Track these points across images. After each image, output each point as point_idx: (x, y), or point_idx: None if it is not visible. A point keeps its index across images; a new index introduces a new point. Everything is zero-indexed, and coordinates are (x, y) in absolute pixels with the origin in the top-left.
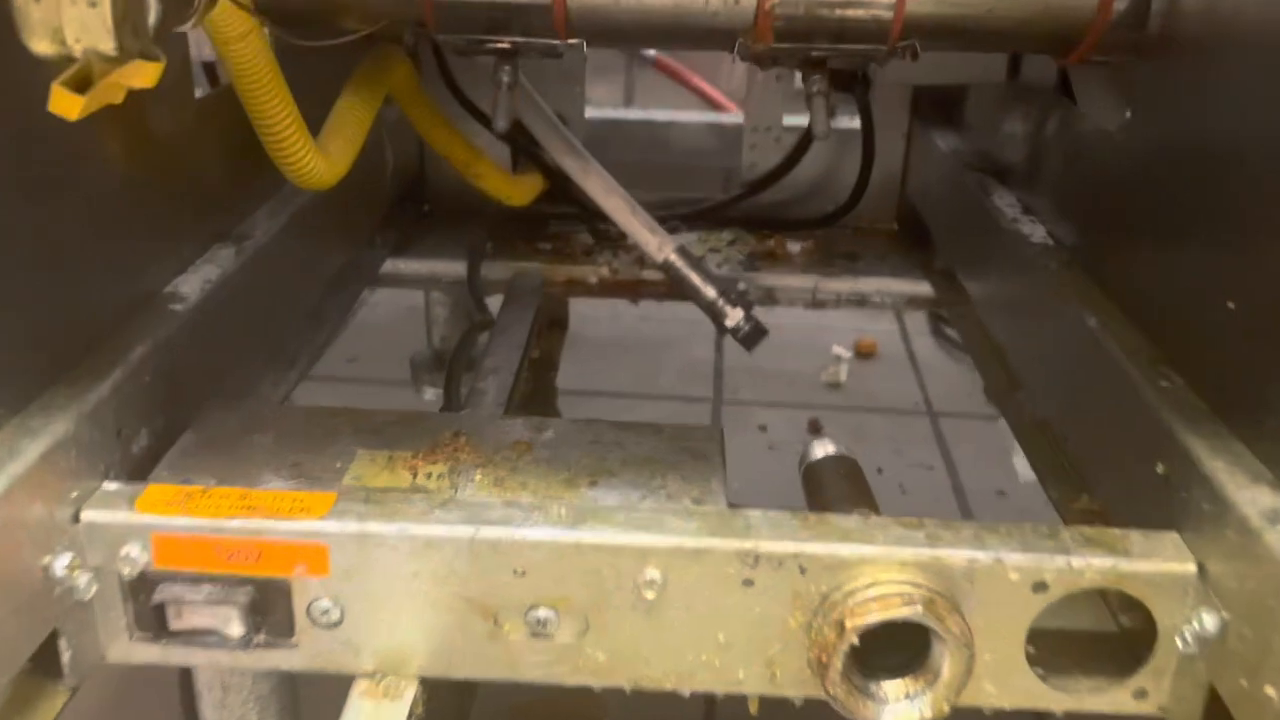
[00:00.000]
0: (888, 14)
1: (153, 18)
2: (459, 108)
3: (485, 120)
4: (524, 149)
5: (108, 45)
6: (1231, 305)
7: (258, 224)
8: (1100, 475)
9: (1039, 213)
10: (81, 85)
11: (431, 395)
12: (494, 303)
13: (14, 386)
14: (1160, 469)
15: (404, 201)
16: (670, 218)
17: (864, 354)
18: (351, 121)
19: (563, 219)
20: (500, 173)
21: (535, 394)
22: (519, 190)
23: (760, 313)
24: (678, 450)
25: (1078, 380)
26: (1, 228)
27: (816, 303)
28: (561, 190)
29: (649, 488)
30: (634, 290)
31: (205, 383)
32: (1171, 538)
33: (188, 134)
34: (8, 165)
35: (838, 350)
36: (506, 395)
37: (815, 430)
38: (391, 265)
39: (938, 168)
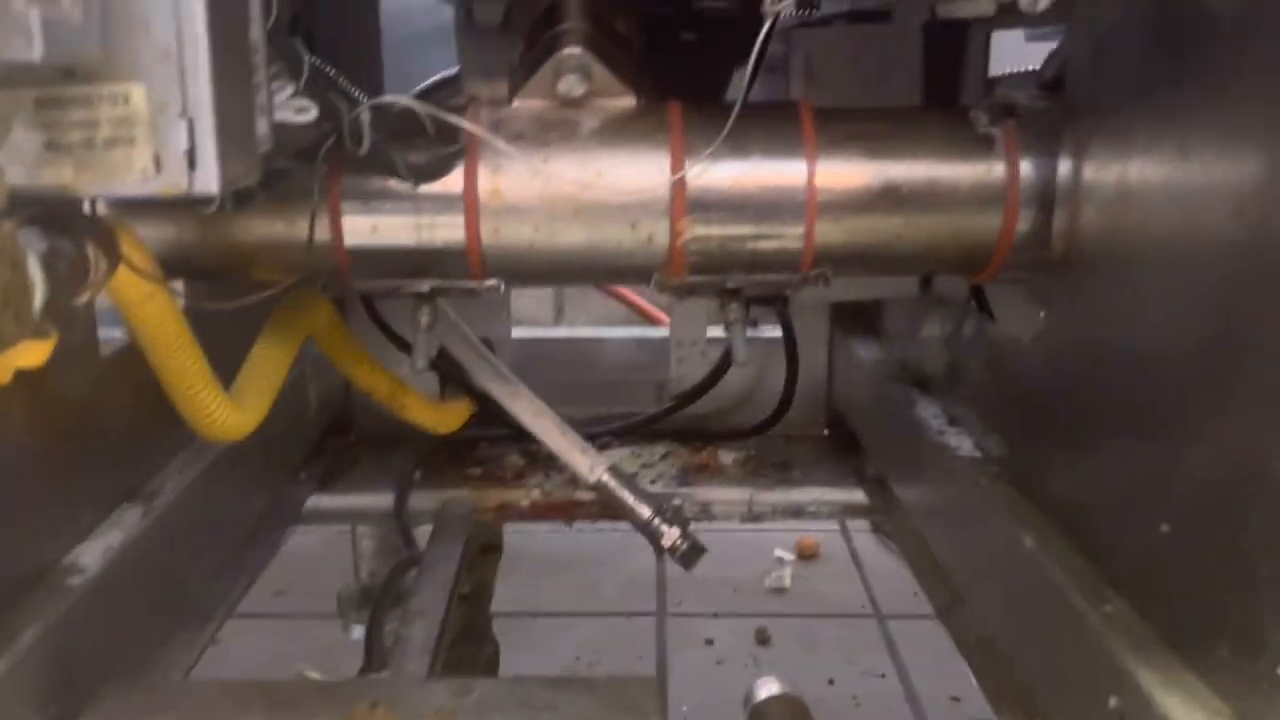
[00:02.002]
0: (797, 245)
1: (39, 299)
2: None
3: (409, 350)
4: (450, 375)
5: None
6: (1165, 528)
7: (168, 478)
8: (1052, 703)
9: (964, 423)
10: None
11: (359, 633)
12: (424, 533)
13: None
14: (1113, 703)
15: (330, 432)
16: (602, 434)
17: (806, 555)
18: (267, 369)
19: (493, 440)
20: (426, 404)
21: (468, 630)
22: (447, 418)
23: (698, 526)
24: (615, 709)
25: (1020, 603)
26: None
27: (753, 516)
28: (491, 411)
29: None
30: (568, 512)
31: (107, 658)
32: None
33: (91, 391)
34: None
35: (780, 553)
36: (434, 639)
37: (763, 641)
38: (316, 501)
39: (861, 378)
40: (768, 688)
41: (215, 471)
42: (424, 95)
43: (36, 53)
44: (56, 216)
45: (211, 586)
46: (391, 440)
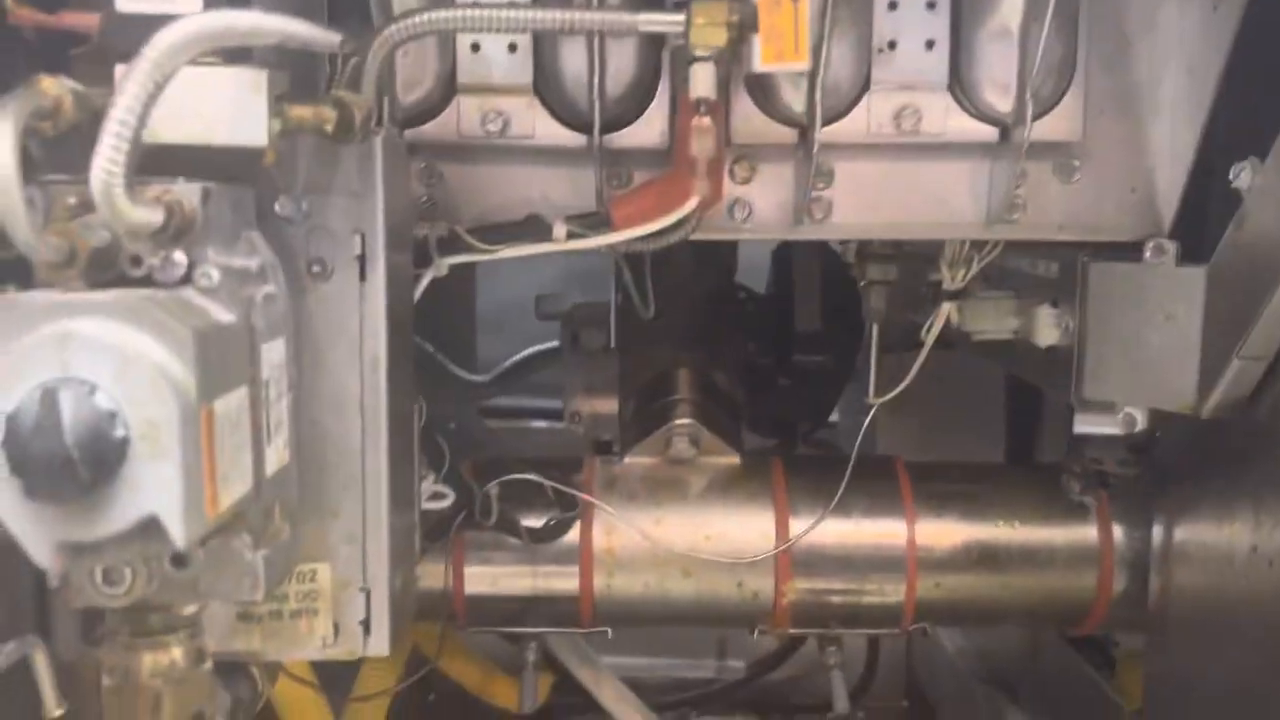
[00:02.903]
0: (898, 601)
1: None
2: None
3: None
4: None
5: None
6: None
7: None
8: None
9: None
10: None
11: None
12: None
13: None
14: None
15: (410, 688)
16: (680, 704)
17: None
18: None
19: (569, 710)
20: (511, 687)
21: None
22: None
23: None
24: None
25: None
26: None
27: None
28: (567, 679)
29: None
30: None
31: None
32: None
33: None
34: None
35: None
36: None
37: None
38: None
39: (944, 666)
40: None
41: None
42: (520, 366)
43: (260, 592)
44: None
45: None
46: (469, 702)
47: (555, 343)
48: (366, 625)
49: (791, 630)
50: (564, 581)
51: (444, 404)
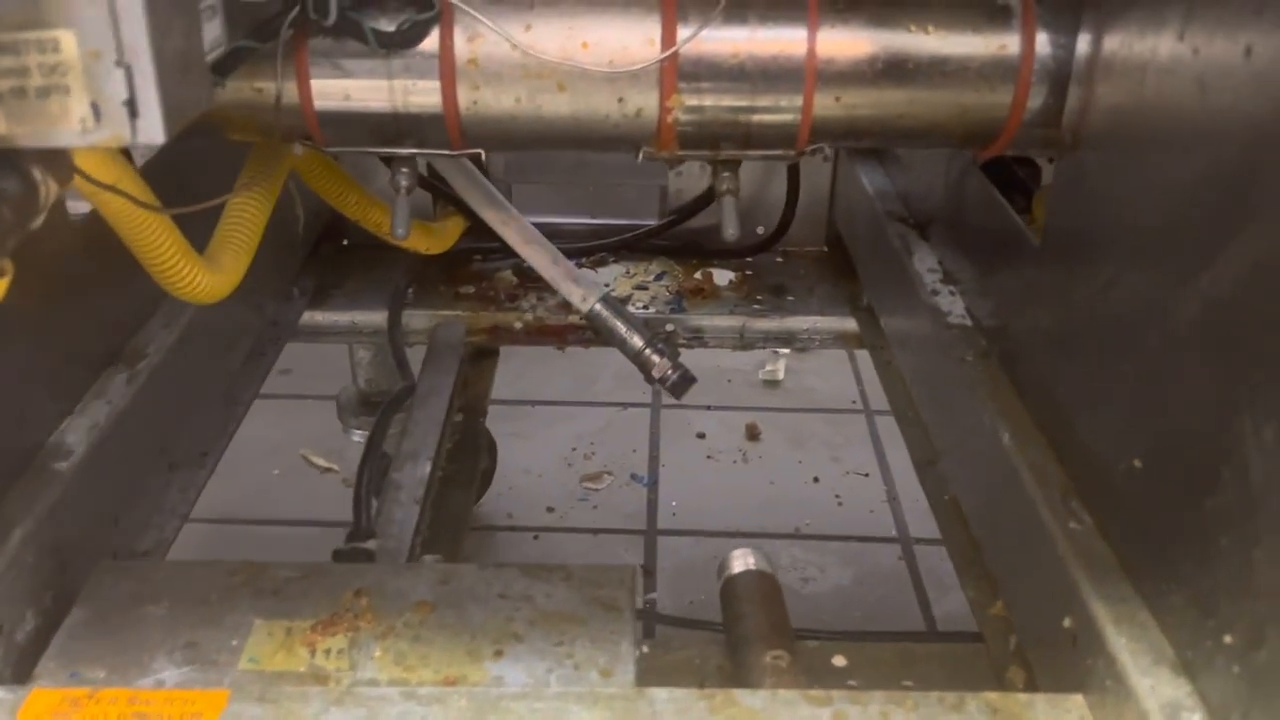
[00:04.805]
0: (794, 119)
1: None
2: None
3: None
4: (443, 193)
5: None
6: (1138, 464)
7: (152, 337)
8: (1013, 603)
9: (959, 282)
10: None
11: (359, 437)
12: (416, 353)
13: None
14: (1067, 623)
15: (322, 237)
16: (597, 249)
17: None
18: (244, 225)
19: (486, 254)
20: (418, 228)
21: (463, 444)
22: (439, 240)
23: (689, 352)
24: (588, 601)
25: (991, 495)
26: None
27: (745, 344)
28: (483, 225)
29: (556, 657)
30: (560, 336)
31: (99, 536)
32: (1076, 703)
33: (63, 258)
34: None
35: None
36: (423, 488)
37: (753, 437)
38: (310, 318)
39: (862, 206)
40: (744, 561)
41: (201, 319)
42: None
43: None
44: None
45: (208, 420)
46: (383, 246)
47: None
48: (132, 106)
49: (680, 152)
50: (425, 96)
51: None
